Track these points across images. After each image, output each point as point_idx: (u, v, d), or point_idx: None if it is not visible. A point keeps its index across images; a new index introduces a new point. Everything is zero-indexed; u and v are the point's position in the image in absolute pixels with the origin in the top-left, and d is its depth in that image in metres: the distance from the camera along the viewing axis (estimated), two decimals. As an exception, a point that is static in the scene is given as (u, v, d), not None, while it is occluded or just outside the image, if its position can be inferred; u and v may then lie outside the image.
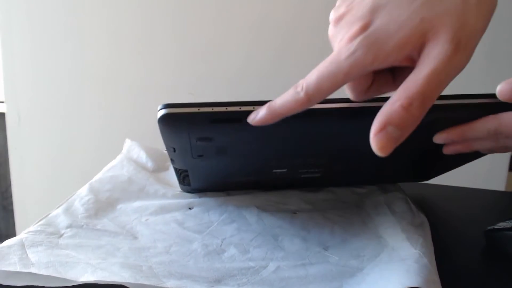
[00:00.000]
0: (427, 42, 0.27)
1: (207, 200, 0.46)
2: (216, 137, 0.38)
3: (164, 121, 0.35)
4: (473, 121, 0.35)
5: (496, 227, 0.41)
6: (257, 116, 0.32)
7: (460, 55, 0.27)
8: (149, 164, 0.53)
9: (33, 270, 0.32)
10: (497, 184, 0.91)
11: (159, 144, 0.60)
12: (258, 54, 0.81)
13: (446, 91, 0.29)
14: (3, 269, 0.32)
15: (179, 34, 0.87)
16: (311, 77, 0.29)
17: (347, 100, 0.35)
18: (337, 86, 0.29)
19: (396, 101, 0.27)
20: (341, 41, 0.29)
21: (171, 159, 0.44)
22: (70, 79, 0.94)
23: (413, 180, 0.53)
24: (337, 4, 0.32)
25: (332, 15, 0.31)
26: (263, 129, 0.34)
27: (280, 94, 0.31)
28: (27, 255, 0.34)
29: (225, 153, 0.42)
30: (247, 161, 0.45)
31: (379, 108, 0.29)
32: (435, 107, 0.30)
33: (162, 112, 0.35)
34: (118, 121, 0.94)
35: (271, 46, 0.81)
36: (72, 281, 0.31)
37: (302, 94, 0.29)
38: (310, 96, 0.29)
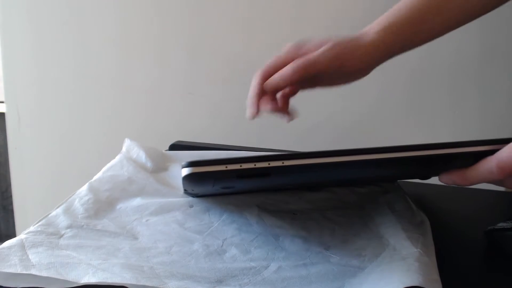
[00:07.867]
0: None
1: (207, 199, 0.46)
2: (241, 185, 0.38)
3: (190, 178, 0.34)
4: (474, 165, 0.35)
5: (496, 227, 0.41)
6: None
7: None
8: (149, 164, 0.52)
9: (33, 271, 0.32)
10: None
11: (158, 144, 0.60)
12: (259, 54, 0.81)
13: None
14: (3, 270, 0.32)
15: (179, 34, 0.87)
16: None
17: (372, 151, 0.34)
18: None
19: None
20: None
21: (185, 189, 0.44)
22: (70, 79, 0.94)
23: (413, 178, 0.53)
24: None
25: None
26: (286, 178, 0.34)
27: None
28: (28, 256, 0.34)
29: (243, 187, 0.42)
30: (262, 187, 0.46)
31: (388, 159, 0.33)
32: (436, 157, 0.31)
33: (187, 171, 0.33)
34: (118, 121, 0.94)
35: (271, 47, 0.81)
36: (73, 282, 0.31)
37: None
38: None
